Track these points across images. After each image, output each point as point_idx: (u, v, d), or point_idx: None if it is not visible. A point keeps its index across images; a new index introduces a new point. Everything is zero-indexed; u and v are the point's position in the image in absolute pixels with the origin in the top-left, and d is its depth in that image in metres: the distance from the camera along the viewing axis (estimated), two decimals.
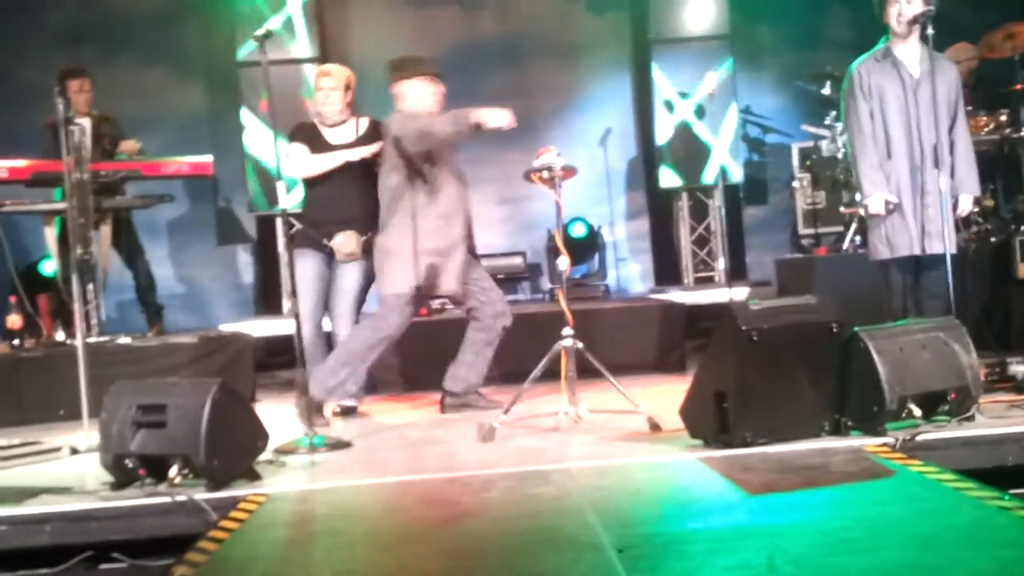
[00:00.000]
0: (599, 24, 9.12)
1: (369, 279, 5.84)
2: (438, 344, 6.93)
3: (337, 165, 5.78)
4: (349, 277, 5.84)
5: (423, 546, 3.42)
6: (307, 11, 8.69)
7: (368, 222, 5.76)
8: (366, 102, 9.18)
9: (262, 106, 8.47)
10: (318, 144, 5.87)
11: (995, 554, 2.96)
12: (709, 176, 8.77)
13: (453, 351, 6.59)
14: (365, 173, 5.81)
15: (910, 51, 5.44)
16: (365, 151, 5.80)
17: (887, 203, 5.39)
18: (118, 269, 7.55)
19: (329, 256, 5.84)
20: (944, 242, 5.27)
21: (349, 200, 5.80)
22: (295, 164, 5.86)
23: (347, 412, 5.90)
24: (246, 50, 8.49)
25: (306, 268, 5.79)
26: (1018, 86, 7.10)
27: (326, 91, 5.90)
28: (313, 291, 5.82)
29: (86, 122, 7.16)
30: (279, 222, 8.74)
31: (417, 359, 6.98)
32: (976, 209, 5.80)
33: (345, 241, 5.76)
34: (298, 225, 5.89)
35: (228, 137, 8.75)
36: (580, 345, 5.19)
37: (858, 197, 5.61)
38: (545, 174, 5.24)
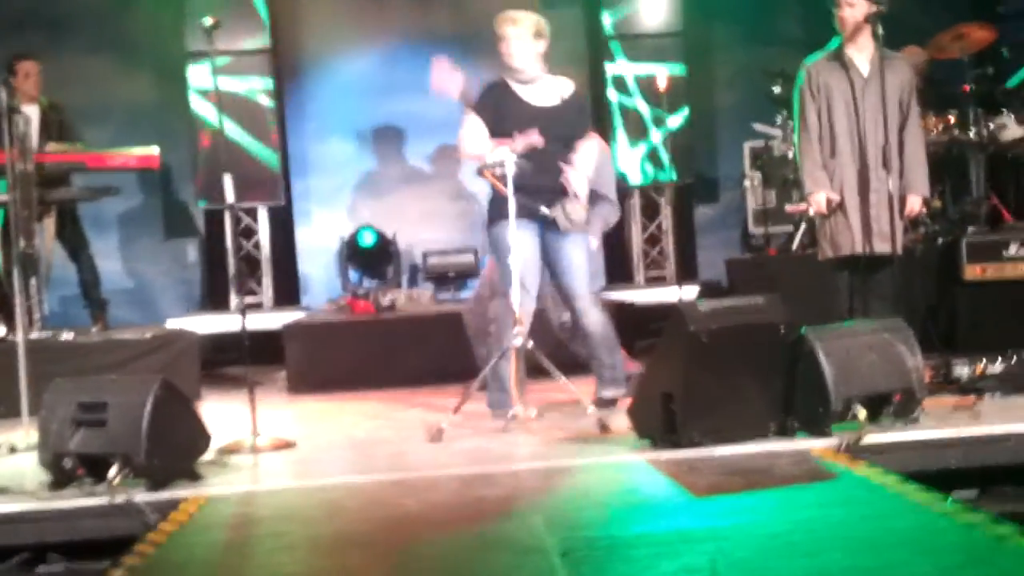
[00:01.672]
0: (553, 19, 8.88)
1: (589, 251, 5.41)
2: (386, 342, 6.92)
3: (493, 159, 5.10)
4: (577, 251, 5.32)
5: (365, 550, 3.39)
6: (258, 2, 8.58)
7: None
8: (321, 91, 9.20)
9: (211, 97, 8.36)
10: (512, 106, 5.24)
11: (937, 559, 2.97)
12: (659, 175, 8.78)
13: (401, 348, 6.58)
14: (572, 134, 5.32)
15: (862, 50, 5.45)
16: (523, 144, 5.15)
17: (830, 201, 5.40)
18: (61, 263, 7.42)
19: (544, 226, 5.28)
20: (890, 243, 5.29)
21: (563, 162, 5.24)
22: (460, 137, 5.27)
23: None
24: (194, 41, 8.36)
25: (526, 243, 5.15)
26: (966, 87, 7.15)
27: (509, 41, 5.23)
28: (535, 267, 5.26)
29: (34, 109, 7.03)
30: (227, 216, 8.65)
31: (366, 356, 6.94)
32: (924, 210, 5.83)
33: (573, 208, 5.23)
34: (502, 190, 5.06)
35: (176, 128, 8.62)
36: (530, 344, 5.14)
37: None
38: (497, 171, 5.12)
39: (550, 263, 5.36)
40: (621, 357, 5.48)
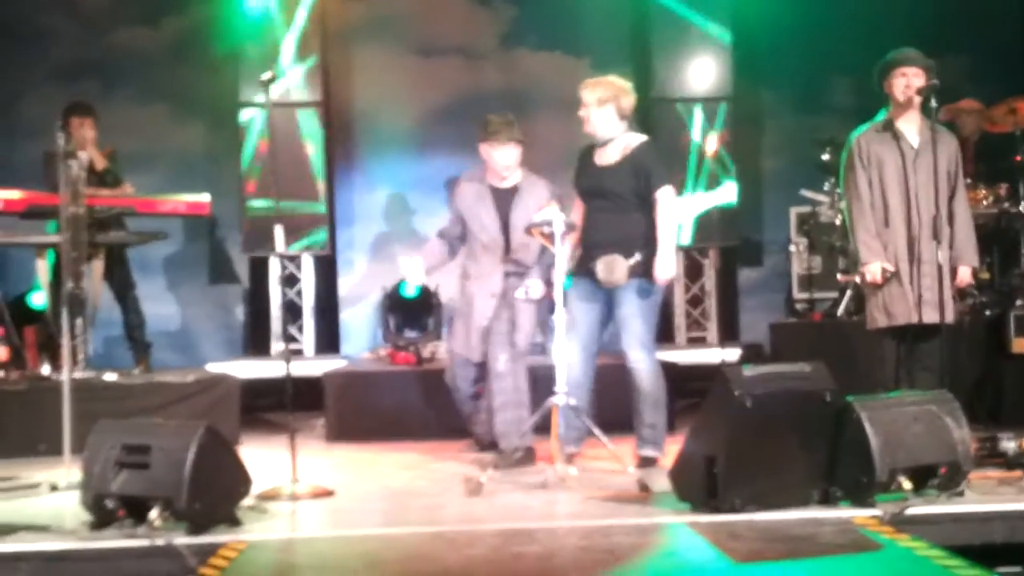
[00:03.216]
0: None
1: (653, 304, 5.51)
2: (426, 393, 6.92)
3: (541, 218, 5.29)
4: (628, 304, 5.42)
5: None
6: (312, 56, 8.72)
7: (634, 244, 5.37)
8: (370, 147, 9.32)
9: (262, 147, 8.49)
10: (587, 166, 5.60)
11: None
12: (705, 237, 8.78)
13: (440, 400, 6.58)
14: (632, 189, 5.46)
15: (910, 122, 5.46)
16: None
17: (884, 271, 5.39)
18: (107, 304, 7.50)
19: (597, 282, 5.40)
20: (939, 312, 5.26)
21: (615, 220, 5.43)
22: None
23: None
24: (248, 92, 8.50)
25: (574, 298, 5.42)
26: (1018, 158, 7.13)
27: (584, 110, 5.54)
28: (585, 323, 5.46)
29: (85, 156, 7.14)
30: (272, 263, 8.74)
31: (405, 407, 6.94)
32: (973, 281, 5.79)
33: (606, 265, 5.30)
34: (551, 248, 5.25)
35: (225, 177, 8.73)
36: (573, 402, 5.14)
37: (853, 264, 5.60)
38: (546, 229, 5.20)
39: (602, 316, 5.52)
40: (665, 418, 5.50)
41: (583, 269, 5.36)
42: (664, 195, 5.46)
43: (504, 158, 5.82)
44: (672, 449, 5.39)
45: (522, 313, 5.76)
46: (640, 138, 5.58)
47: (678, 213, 5.65)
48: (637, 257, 5.33)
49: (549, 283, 5.57)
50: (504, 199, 5.87)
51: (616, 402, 5.68)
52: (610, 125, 5.52)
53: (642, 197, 5.45)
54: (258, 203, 8.54)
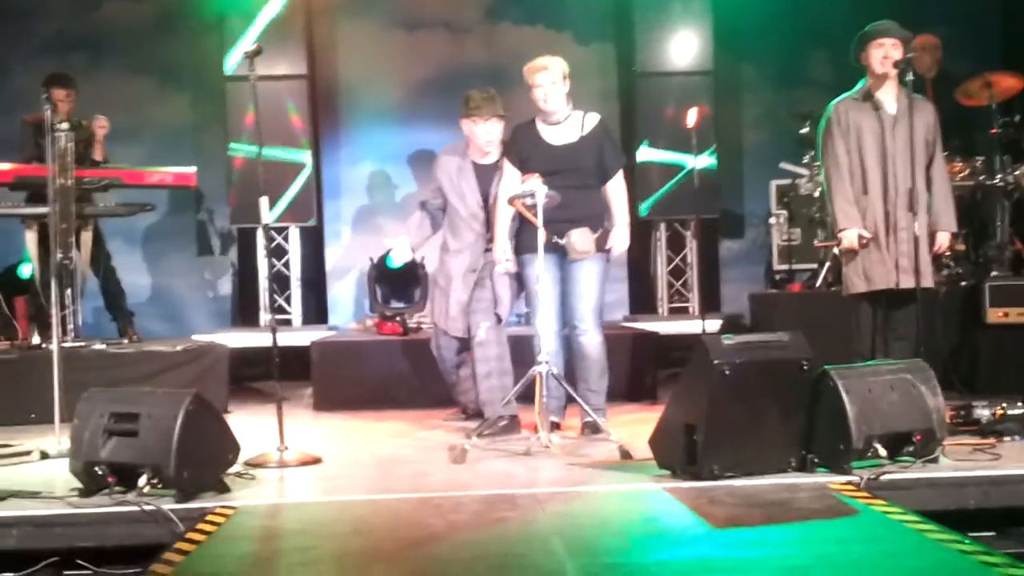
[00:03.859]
0: (585, 55, 9.17)
1: (606, 278, 5.67)
2: (412, 363, 6.99)
3: (523, 190, 5.35)
4: (586, 277, 5.57)
5: (390, 567, 3.45)
6: (296, 29, 8.72)
7: (598, 220, 5.58)
8: (356, 120, 9.34)
9: (248, 120, 8.50)
10: (537, 146, 5.61)
11: None
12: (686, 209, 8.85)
13: (424, 369, 6.66)
14: (594, 168, 5.62)
15: (888, 92, 5.53)
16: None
17: (861, 238, 5.47)
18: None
19: (560, 256, 5.54)
20: (916, 277, 5.34)
21: (578, 196, 5.49)
22: (499, 191, 5.69)
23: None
24: (234, 64, 8.51)
25: (541, 270, 5.40)
26: (994, 131, 7.21)
27: (544, 87, 5.54)
28: (554, 296, 5.54)
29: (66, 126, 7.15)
30: (259, 235, 8.77)
31: (391, 376, 7.01)
32: (950, 245, 5.88)
33: (580, 238, 5.45)
34: (532, 221, 5.30)
35: (212, 149, 8.76)
36: (555, 371, 5.23)
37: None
38: (528, 200, 5.27)
39: (562, 288, 5.58)
40: (607, 383, 5.65)
41: (548, 243, 5.35)
42: (620, 174, 5.67)
43: (486, 133, 5.86)
44: (642, 416, 5.56)
45: (501, 284, 5.83)
46: (595, 117, 5.68)
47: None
48: (601, 231, 5.51)
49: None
50: (486, 175, 5.92)
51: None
52: (566, 101, 5.60)
53: (601, 174, 5.61)
54: (243, 146, 8.51)
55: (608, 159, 5.64)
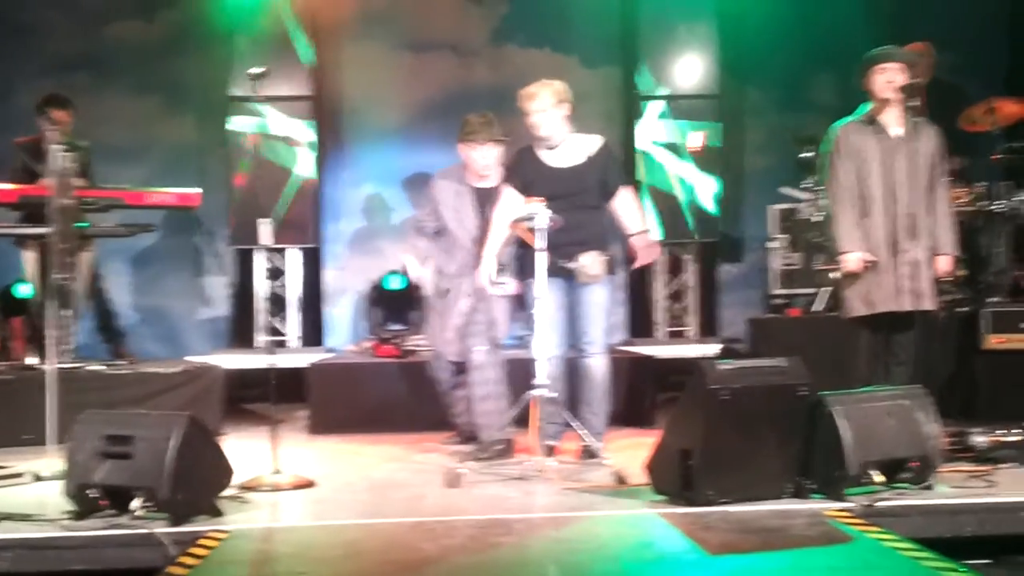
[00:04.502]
0: (591, 78, 9.20)
1: (615, 300, 5.67)
2: (408, 386, 6.98)
3: (525, 212, 5.33)
4: (596, 301, 5.53)
5: None
6: (302, 51, 8.76)
7: (604, 242, 5.55)
8: (359, 142, 9.35)
9: (251, 140, 8.52)
10: (539, 171, 5.56)
11: None
12: (685, 233, 8.85)
13: (421, 392, 6.64)
14: (599, 191, 5.60)
15: (892, 117, 5.53)
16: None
17: (863, 261, 5.46)
18: None
19: (568, 280, 5.51)
20: (915, 300, 5.34)
21: (585, 218, 5.49)
22: (495, 214, 5.63)
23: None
24: (239, 86, 8.54)
25: (549, 294, 5.37)
26: (996, 157, 7.22)
27: (535, 115, 5.52)
28: (559, 321, 5.49)
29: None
30: (257, 257, 8.79)
31: (388, 399, 7.00)
32: (952, 270, 5.87)
33: (591, 263, 5.42)
34: (532, 244, 5.27)
35: (213, 170, 8.77)
36: (553, 395, 5.22)
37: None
38: (529, 224, 5.26)
39: (572, 312, 5.54)
40: (608, 407, 5.62)
41: (552, 267, 5.31)
42: (626, 191, 5.68)
43: (483, 158, 5.87)
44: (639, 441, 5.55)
45: (497, 307, 5.82)
46: (598, 139, 5.65)
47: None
48: (609, 255, 5.48)
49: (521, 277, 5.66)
50: (484, 199, 5.91)
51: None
52: (562, 126, 5.57)
53: (605, 196, 5.60)
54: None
55: (611, 178, 5.62)
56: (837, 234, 5.54)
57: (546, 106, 5.51)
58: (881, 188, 5.48)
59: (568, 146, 5.60)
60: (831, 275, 7.48)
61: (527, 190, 5.53)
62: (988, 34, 9.19)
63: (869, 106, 5.59)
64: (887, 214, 5.48)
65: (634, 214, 5.69)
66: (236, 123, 8.59)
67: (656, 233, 5.69)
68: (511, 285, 5.69)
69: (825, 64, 9.09)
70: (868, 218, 5.50)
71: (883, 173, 5.48)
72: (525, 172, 5.60)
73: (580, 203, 5.49)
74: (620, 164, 5.87)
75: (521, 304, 5.75)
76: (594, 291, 5.50)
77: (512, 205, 5.54)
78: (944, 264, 5.55)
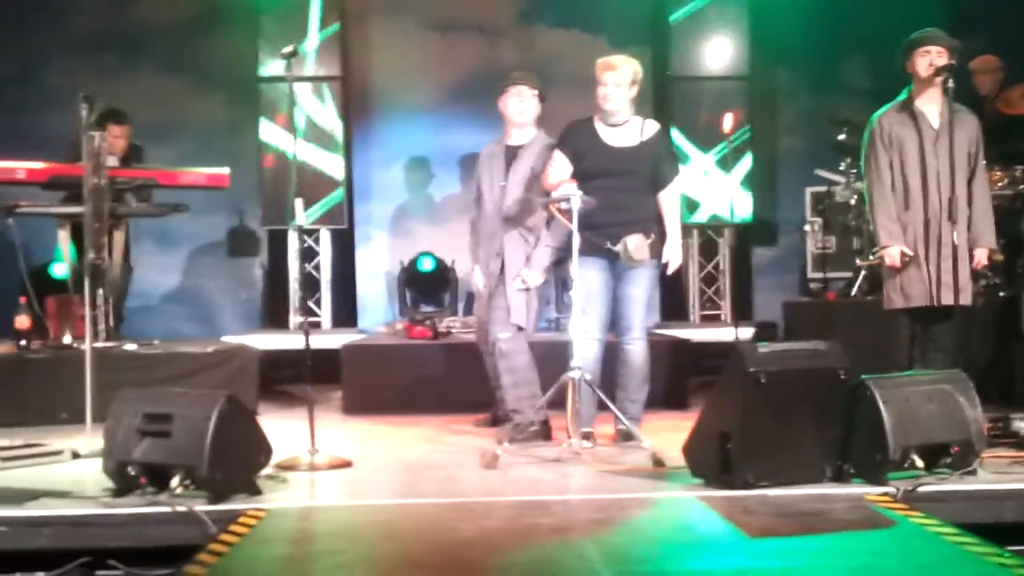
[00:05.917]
0: None
1: (656, 285, 5.59)
2: (442, 367, 6.98)
3: (559, 194, 5.24)
4: (638, 285, 5.50)
5: (422, 571, 3.43)
6: (331, 32, 8.75)
7: (650, 225, 5.46)
8: (388, 122, 9.34)
9: (279, 120, 8.53)
10: (595, 146, 5.46)
11: None
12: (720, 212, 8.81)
13: (455, 374, 6.64)
14: (650, 177, 5.50)
15: (932, 102, 5.47)
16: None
17: (903, 255, 5.41)
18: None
19: (612, 262, 5.45)
20: (955, 294, 5.29)
21: (633, 200, 5.44)
22: (546, 173, 5.52)
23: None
24: (268, 65, 8.54)
25: (590, 277, 5.36)
26: None
27: (609, 87, 5.41)
28: (602, 301, 5.43)
29: (114, 160, 7.16)
30: (291, 237, 8.80)
31: (421, 381, 7.00)
32: (988, 263, 5.81)
33: (636, 246, 5.31)
34: (568, 224, 5.22)
35: (244, 150, 8.78)
36: (588, 377, 5.19)
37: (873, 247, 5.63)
38: (563, 205, 5.23)
39: (614, 295, 5.49)
40: (646, 394, 5.59)
41: (597, 248, 5.31)
42: (676, 184, 5.60)
43: (519, 101, 5.77)
44: (675, 424, 5.54)
45: (514, 294, 5.73)
46: (655, 125, 5.59)
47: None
48: (653, 238, 5.42)
49: (558, 258, 5.65)
50: (511, 157, 5.85)
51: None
52: (628, 106, 5.50)
53: (655, 182, 5.52)
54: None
55: (665, 168, 5.55)
56: (876, 228, 5.50)
57: (622, 81, 5.43)
58: (919, 180, 5.43)
59: (627, 127, 5.52)
60: (859, 262, 7.44)
61: (578, 161, 5.45)
62: (1022, 15, 9.08)
63: (910, 91, 5.53)
64: (925, 205, 5.43)
65: (674, 218, 5.57)
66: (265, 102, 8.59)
67: (678, 245, 5.56)
68: (534, 278, 5.66)
69: (857, 44, 9.03)
70: (907, 211, 5.45)
71: (921, 164, 5.43)
72: (579, 143, 5.49)
73: (629, 185, 5.43)
74: (675, 155, 5.77)
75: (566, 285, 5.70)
76: (637, 275, 5.45)
77: (562, 172, 5.42)
78: (980, 257, 5.50)
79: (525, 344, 5.79)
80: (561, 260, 5.71)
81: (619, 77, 5.42)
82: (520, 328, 5.74)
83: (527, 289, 5.71)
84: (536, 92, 5.81)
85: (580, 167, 5.43)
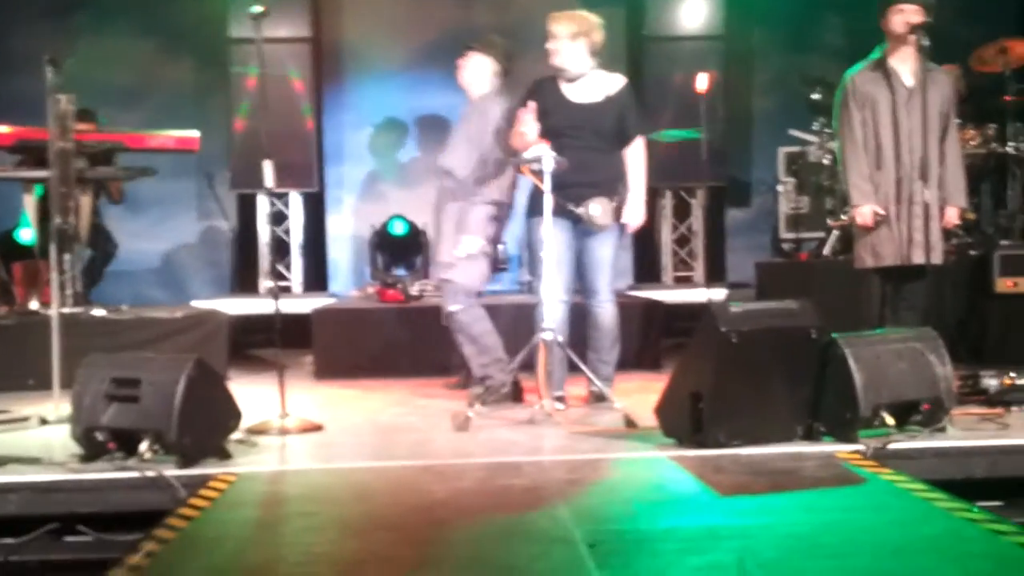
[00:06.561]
0: None
1: (618, 248, 5.54)
2: (413, 331, 6.95)
3: (531, 155, 5.20)
4: (603, 248, 5.45)
5: (393, 533, 3.41)
6: None
7: (615, 186, 5.38)
8: (360, 85, 9.25)
9: (250, 83, 8.43)
10: (555, 102, 5.39)
11: (964, 565, 2.99)
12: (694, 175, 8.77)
13: (427, 337, 6.61)
14: (615, 131, 5.43)
15: (905, 61, 5.45)
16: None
17: (875, 214, 5.41)
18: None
19: (576, 223, 5.37)
20: (926, 252, 5.29)
21: (598, 159, 5.36)
22: (512, 134, 5.43)
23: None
24: (238, 27, 8.43)
25: (558, 236, 5.26)
26: (1007, 98, 7.14)
27: (554, 41, 5.39)
28: (567, 263, 5.36)
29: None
30: (260, 201, 8.73)
31: (393, 344, 6.97)
32: (960, 222, 5.82)
33: (599, 210, 5.25)
34: (540, 185, 5.16)
35: (214, 113, 8.69)
36: (560, 338, 5.18)
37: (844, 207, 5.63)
38: (535, 167, 5.18)
39: (578, 257, 5.45)
40: (617, 354, 5.57)
41: (561, 208, 5.22)
42: (641, 141, 5.52)
43: (464, 67, 5.87)
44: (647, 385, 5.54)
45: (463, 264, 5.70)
46: (620, 79, 5.52)
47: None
48: (617, 199, 5.36)
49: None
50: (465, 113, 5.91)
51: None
52: (581, 60, 5.42)
53: (620, 139, 5.46)
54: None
55: (630, 123, 5.47)
56: (848, 187, 5.49)
57: (564, 34, 5.39)
58: (891, 139, 5.43)
59: (588, 82, 5.46)
60: (830, 221, 7.44)
61: (543, 118, 5.35)
62: None
63: (883, 49, 5.50)
64: (898, 165, 5.42)
65: (638, 173, 5.49)
66: (234, 64, 8.49)
67: (640, 203, 5.49)
68: (473, 244, 5.63)
69: (831, 4, 8.98)
70: (879, 170, 5.44)
71: (893, 123, 5.42)
72: (544, 100, 5.41)
73: (592, 142, 5.37)
74: (640, 109, 5.69)
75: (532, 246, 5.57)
76: (601, 239, 5.40)
77: (528, 130, 5.29)
78: (951, 215, 5.51)
79: (480, 311, 5.75)
80: (499, 219, 5.72)
81: (564, 29, 5.38)
82: (472, 297, 5.72)
83: (470, 255, 5.66)
84: (477, 51, 5.84)
85: (546, 124, 5.34)
